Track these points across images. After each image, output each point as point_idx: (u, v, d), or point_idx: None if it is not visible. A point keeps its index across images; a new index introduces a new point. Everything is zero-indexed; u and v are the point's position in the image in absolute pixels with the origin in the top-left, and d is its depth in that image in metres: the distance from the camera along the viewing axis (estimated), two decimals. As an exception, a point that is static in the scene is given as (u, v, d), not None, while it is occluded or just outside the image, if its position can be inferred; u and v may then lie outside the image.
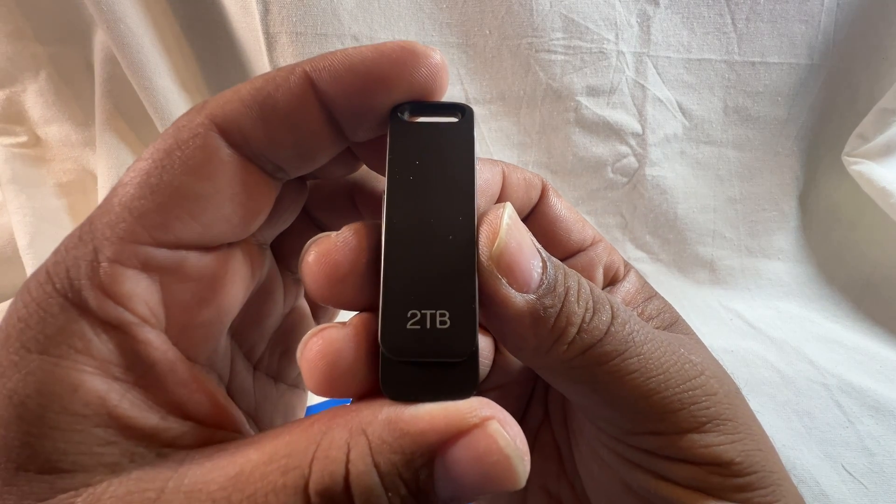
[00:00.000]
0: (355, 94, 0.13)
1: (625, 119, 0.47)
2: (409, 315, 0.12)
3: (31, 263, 0.42)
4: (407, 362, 0.12)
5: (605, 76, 0.46)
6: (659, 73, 0.46)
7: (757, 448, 0.14)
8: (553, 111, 0.47)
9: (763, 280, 0.50)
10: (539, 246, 0.13)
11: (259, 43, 0.42)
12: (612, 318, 0.13)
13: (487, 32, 0.44)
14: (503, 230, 0.12)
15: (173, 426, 0.12)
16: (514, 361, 0.18)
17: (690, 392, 0.13)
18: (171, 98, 0.43)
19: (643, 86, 0.46)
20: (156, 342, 0.12)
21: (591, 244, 0.18)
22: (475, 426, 0.11)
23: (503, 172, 0.16)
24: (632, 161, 0.48)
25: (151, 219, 0.12)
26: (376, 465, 0.10)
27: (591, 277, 0.17)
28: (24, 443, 0.11)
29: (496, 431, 0.11)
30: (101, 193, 0.44)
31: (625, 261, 0.18)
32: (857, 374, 0.39)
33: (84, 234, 0.12)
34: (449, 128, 0.13)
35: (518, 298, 0.12)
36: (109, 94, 0.44)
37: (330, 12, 0.41)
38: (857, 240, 0.51)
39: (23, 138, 0.45)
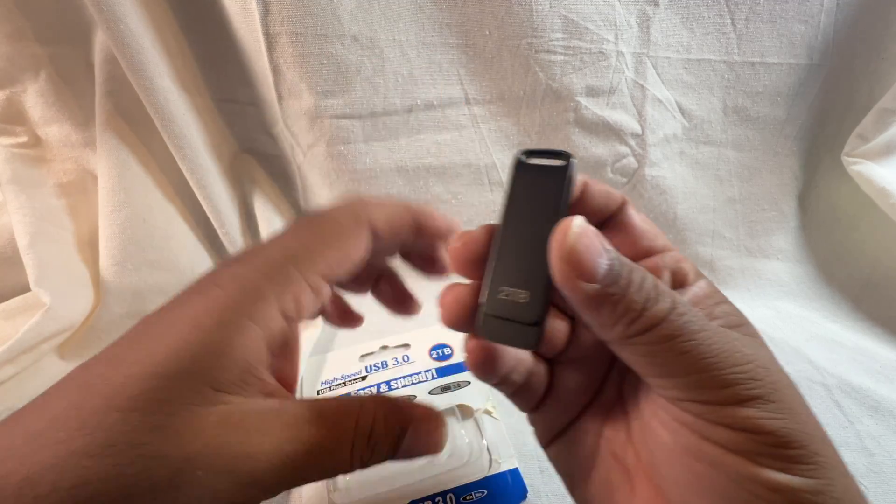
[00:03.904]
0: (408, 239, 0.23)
1: (624, 119, 0.47)
2: (501, 290, 0.18)
3: (31, 263, 0.42)
4: (496, 317, 0.18)
5: (605, 76, 0.46)
6: (658, 74, 0.47)
7: (803, 430, 0.16)
8: (553, 111, 0.47)
9: (762, 280, 0.50)
10: (608, 247, 0.16)
11: (259, 43, 0.42)
12: (672, 308, 0.16)
13: (487, 33, 0.44)
14: (572, 235, 0.16)
15: (277, 385, 0.19)
16: (587, 340, 0.21)
17: (737, 375, 0.16)
18: (172, 98, 0.43)
19: (643, 86, 0.46)
20: (297, 334, 0.21)
21: (661, 251, 0.21)
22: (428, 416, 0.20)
23: (585, 182, 0.20)
24: (631, 161, 0.48)
25: (324, 265, 0.20)
26: (376, 422, 0.19)
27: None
28: (208, 369, 0.16)
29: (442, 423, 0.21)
30: (102, 194, 0.44)
31: (697, 270, 0.21)
32: (856, 375, 0.39)
33: (287, 264, 0.19)
34: (554, 167, 0.18)
35: (587, 287, 0.16)
36: (110, 95, 0.44)
37: (330, 13, 0.42)
38: (857, 240, 0.51)
39: (23, 138, 0.45)
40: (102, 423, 0.15)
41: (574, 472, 0.21)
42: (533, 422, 0.23)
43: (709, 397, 0.16)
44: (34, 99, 0.44)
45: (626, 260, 0.17)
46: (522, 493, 0.30)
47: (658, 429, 0.18)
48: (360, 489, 0.31)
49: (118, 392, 0.15)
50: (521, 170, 0.19)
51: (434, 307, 0.39)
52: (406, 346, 0.41)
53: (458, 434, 0.32)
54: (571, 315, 0.21)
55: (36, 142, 0.46)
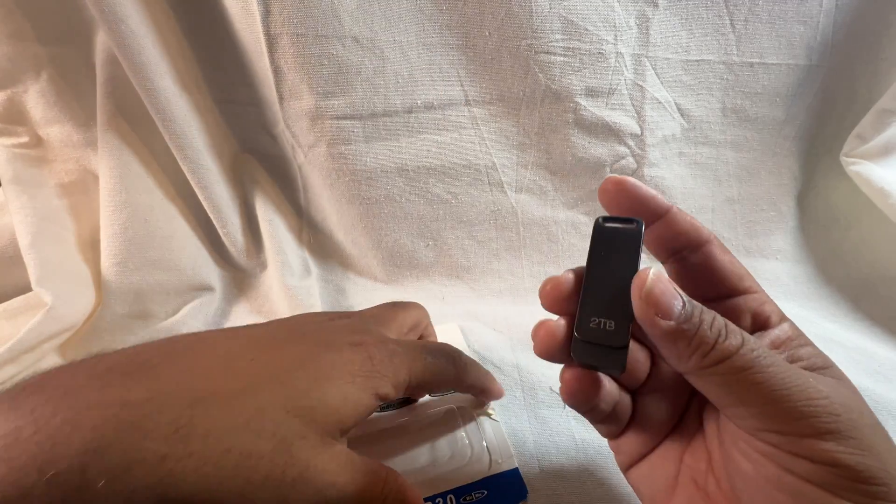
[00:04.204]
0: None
1: (623, 120, 0.47)
2: (592, 320, 0.21)
3: (32, 263, 0.42)
4: (587, 342, 0.20)
5: (604, 77, 0.46)
6: (657, 75, 0.47)
7: (884, 468, 0.16)
8: (552, 112, 0.47)
9: (761, 280, 0.49)
10: (681, 291, 0.19)
11: (260, 44, 0.43)
12: (742, 344, 0.18)
13: (487, 34, 0.44)
14: (649, 281, 0.18)
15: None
16: (667, 373, 0.23)
17: (811, 408, 0.17)
18: (173, 99, 0.43)
19: (642, 87, 0.47)
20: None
21: (743, 293, 0.22)
22: None
23: (669, 207, 0.22)
24: (630, 162, 0.49)
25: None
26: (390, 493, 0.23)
27: (736, 319, 0.22)
28: (345, 419, 0.22)
29: None
30: (103, 194, 0.45)
31: (781, 313, 0.22)
32: (855, 374, 0.39)
33: (411, 372, 0.26)
34: (627, 229, 0.22)
35: (663, 323, 0.18)
36: (111, 95, 0.44)
37: (331, 14, 0.42)
38: (856, 240, 0.51)
39: (24, 139, 0.45)
40: (277, 427, 0.20)
41: (654, 497, 0.23)
42: (615, 448, 0.25)
43: (785, 428, 0.17)
44: (35, 99, 0.44)
45: (697, 303, 0.19)
46: (522, 493, 0.30)
47: (739, 459, 0.19)
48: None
49: (297, 407, 0.21)
50: (601, 230, 0.22)
51: (434, 307, 0.39)
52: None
53: (458, 435, 0.33)
54: (652, 348, 0.24)
55: (37, 142, 0.46)
